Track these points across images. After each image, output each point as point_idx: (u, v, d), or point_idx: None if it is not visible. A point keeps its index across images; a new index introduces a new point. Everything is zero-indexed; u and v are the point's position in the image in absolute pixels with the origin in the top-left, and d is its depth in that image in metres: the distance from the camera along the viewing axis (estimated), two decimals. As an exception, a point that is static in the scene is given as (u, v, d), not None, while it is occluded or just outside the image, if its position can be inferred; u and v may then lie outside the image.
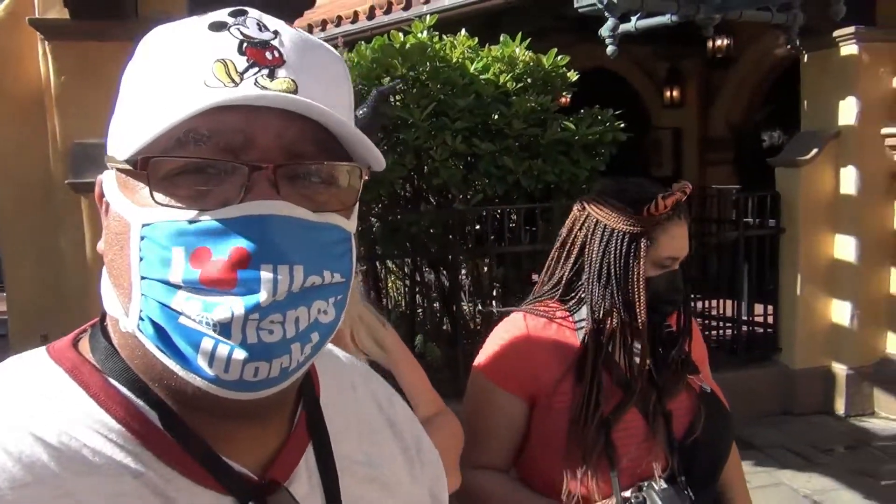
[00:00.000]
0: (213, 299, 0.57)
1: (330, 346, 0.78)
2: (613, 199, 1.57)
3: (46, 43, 3.44)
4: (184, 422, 0.63)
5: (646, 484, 1.48)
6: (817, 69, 5.16)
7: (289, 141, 0.60)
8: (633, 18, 2.24)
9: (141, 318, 0.60)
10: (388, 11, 7.24)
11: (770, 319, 5.48)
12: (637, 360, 1.55)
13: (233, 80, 0.59)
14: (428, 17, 4.68)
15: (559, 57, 5.02)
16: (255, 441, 0.67)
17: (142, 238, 0.59)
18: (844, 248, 5.08)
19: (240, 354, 0.56)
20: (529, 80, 4.90)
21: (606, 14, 1.99)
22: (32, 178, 3.75)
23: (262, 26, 0.63)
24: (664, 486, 1.47)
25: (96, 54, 3.35)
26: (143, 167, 0.59)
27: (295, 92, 0.60)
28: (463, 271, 4.89)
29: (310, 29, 8.07)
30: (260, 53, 0.61)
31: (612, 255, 1.54)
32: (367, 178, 0.66)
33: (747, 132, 9.35)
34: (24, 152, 3.77)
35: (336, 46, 4.90)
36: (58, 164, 3.49)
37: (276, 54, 0.61)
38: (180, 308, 0.57)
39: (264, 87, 0.59)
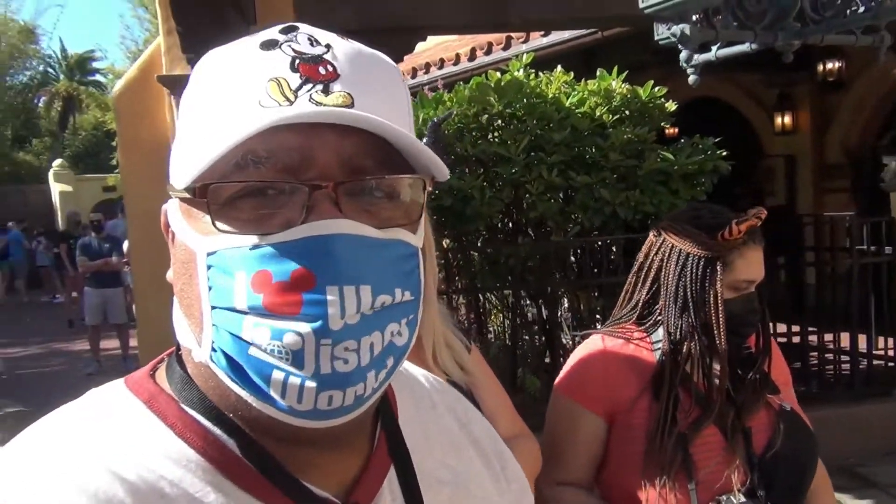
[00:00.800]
0: (281, 325, 0.55)
1: (406, 363, 0.78)
2: (688, 225, 1.63)
3: (172, 97, 3.80)
4: (263, 449, 0.62)
5: (724, 498, 1.52)
6: (932, 89, 4.95)
7: (348, 156, 0.58)
8: (714, 48, 2.28)
9: (213, 349, 0.59)
10: (488, 52, 7.46)
11: (891, 352, 5.21)
12: (716, 379, 1.60)
13: (287, 99, 0.58)
14: (525, 55, 4.82)
15: (656, 88, 5.05)
16: (336, 465, 0.65)
17: (209, 267, 0.58)
18: (969, 274, 4.79)
19: (312, 385, 0.55)
20: (626, 113, 4.95)
21: (680, 46, 2.05)
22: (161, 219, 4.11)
23: (313, 41, 0.61)
24: (742, 499, 1.51)
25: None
26: (203, 194, 0.58)
27: (351, 105, 0.59)
28: (564, 303, 4.93)
29: (413, 73, 8.39)
30: (313, 69, 0.59)
31: (688, 279, 1.59)
32: (430, 188, 0.64)
33: (866, 157, 8.94)
34: (155, 196, 4.13)
35: (435, 89, 5.11)
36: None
37: (330, 69, 0.60)
38: (250, 337, 0.56)
39: (319, 103, 0.58)
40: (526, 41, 6.94)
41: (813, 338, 5.32)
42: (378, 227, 0.59)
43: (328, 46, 0.61)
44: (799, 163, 9.64)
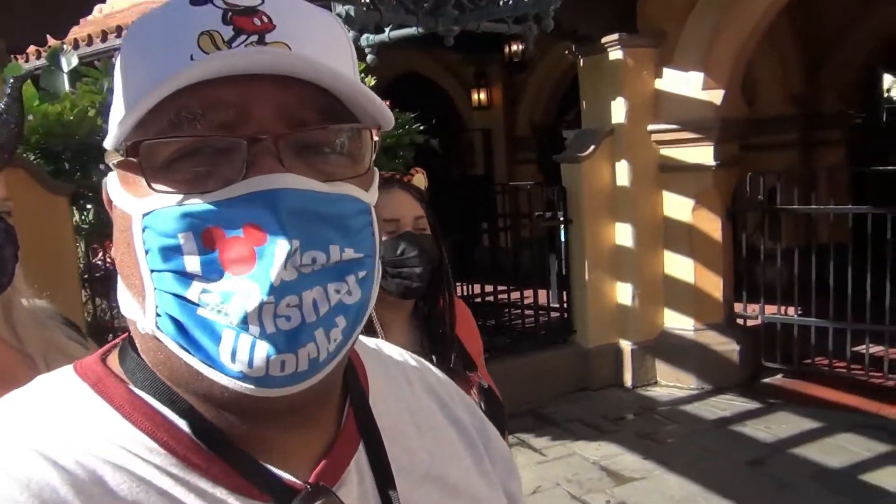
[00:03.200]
0: (230, 286, 0.53)
1: (380, 342, 0.79)
2: None
3: None
4: (217, 429, 0.58)
5: None
6: (591, 73, 5.64)
7: (288, 109, 0.56)
8: (387, 30, 2.40)
9: (158, 315, 0.56)
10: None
11: (566, 305, 5.93)
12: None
13: (220, 51, 0.55)
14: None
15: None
16: (299, 445, 0.62)
17: (144, 229, 0.55)
18: (623, 234, 5.58)
19: (262, 348, 0.53)
20: (326, 87, 5.01)
21: (347, 27, 2.13)
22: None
23: None
24: None
25: None
26: (135, 153, 0.55)
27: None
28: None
29: (104, 36, 7.73)
30: (247, 20, 0.56)
31: None
32: (377, 138, 0.61)
33: (549, 131, 9.97)
34: None
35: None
36: None
37: (265, 20, 0.57)
38: (196, 298, 0.54)
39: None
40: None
41: (503, 296, 5.86)
42: (325, 182, 0.57)
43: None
44: (494, 136, 10.48)
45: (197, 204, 0.54)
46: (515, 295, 5.99)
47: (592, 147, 5.45)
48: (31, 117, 4.95)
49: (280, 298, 0.53)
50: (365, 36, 2.45)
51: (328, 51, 0.59)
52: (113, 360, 0.64)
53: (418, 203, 1.65)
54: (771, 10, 5.27)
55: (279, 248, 0.52)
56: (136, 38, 0.59)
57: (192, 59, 0.55)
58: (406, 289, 1.60)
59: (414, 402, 0.75)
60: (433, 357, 1.57)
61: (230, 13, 0.57)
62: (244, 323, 0.53)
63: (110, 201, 0.62)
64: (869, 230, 5.15)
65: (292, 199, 0.54)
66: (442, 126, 8.77)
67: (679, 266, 5.59)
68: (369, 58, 2.53)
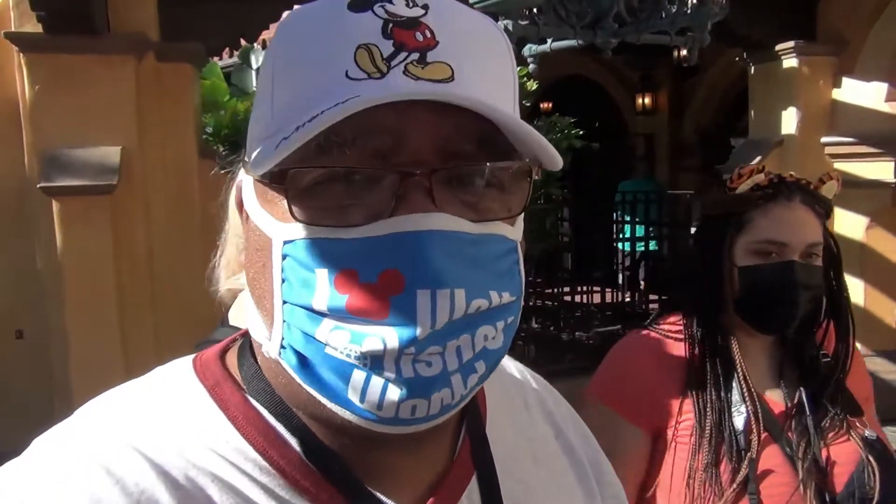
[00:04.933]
0: (363, 329, 0.50)
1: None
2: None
3: (22, 55, 3.66)
4: (331, 451, 0.56)
5: None
6: (762, 80, 5.42)
7: (445, 140, 0.52)
8: (549, 41, 2.50)
9: (283, 347, 0.54)
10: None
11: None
12: (783, 389, 1.37)
13: (378, 69, 0.51)
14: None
15: (518, 68, 5.29)
16: (412, 472, 0.60)
17: (284, 257, 0.53)
18: (787, 250, 5.33)
19: (394, 392, 0.50)
20: (489, 90, 5.17)
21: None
22: (9, 182, 3.96)
23: (409, 2, 0.54)
24: None
25: (69, 66, 3.57)
26: (280, 180, 0.52)
27: (451, 79, 0.52)
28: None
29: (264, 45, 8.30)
30: (409, 34, 0.52)
31: (703, 245, 1.42)
32: (538, 176, 0.57)
33: (715, 138, 9.63)
34: (1, 158, 3.98)
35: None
36: (32, 169, 3.71)
37: (428, 34, 0.53)
38: (325, 339, 0.51)
39: (415, 77, 0.51)
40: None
41: (655, 305, 5.75)
42: (475, 220, 0.53)
43: (426, 7, 0.54)
44: (657, 141, 10.25)
45: (340, 240, 0.51)
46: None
47: (759, 158, 5.23)
48: (222, 112, 5.45)
49: (422, 349, 0.50)
50: (528, 46, 2.56)
51: (492, 74, 0.55)
52: (231, 359, 0.62)
53: (820, 224, 1.38)
54: (972, 16, 4.86)
55: (424, 293, 0.49)
56: (291, 39, 0.55)
57: (346, 75, 0.51)
58: (770, 327, 1.37)
59: (531, 428, 0.72)
60: (802, 391, 1.35)
61: (391, 25, 0.52)
62: (377, 366, 0.50)
63: (242, 205, 0.59)
64: None
65: (441, 242, 0.50)
66: (604, 129, 8.73)
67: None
68: (531, 66, 2.64)
